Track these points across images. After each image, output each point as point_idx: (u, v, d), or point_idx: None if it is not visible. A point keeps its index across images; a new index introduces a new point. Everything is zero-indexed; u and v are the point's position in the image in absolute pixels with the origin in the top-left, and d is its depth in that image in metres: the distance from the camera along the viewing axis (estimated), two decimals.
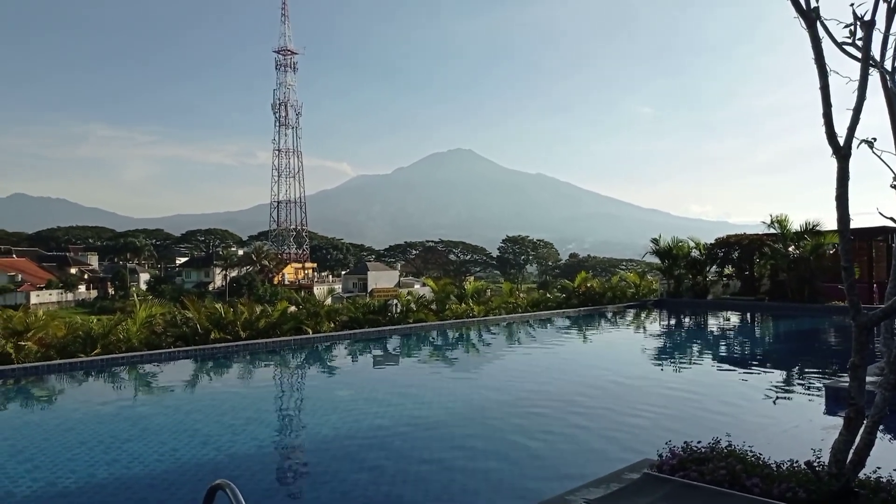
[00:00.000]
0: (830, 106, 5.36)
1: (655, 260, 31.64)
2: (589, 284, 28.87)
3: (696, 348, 18.40)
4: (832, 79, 5.34)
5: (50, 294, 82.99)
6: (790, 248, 26.67)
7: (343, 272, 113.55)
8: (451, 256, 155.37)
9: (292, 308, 20.00)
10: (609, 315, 25.92)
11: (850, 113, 5.31)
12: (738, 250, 29.60)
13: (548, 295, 29.58)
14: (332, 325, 19.88)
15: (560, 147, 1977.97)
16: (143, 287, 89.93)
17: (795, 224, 26.54)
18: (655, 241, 31.13)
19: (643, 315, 26.64)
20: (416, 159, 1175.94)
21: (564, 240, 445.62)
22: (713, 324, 24.37)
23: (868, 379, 5.64)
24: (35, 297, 78.76)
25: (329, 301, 22.65)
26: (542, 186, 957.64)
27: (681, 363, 15.63)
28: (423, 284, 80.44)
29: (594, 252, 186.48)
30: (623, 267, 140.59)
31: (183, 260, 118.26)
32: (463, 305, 23.38)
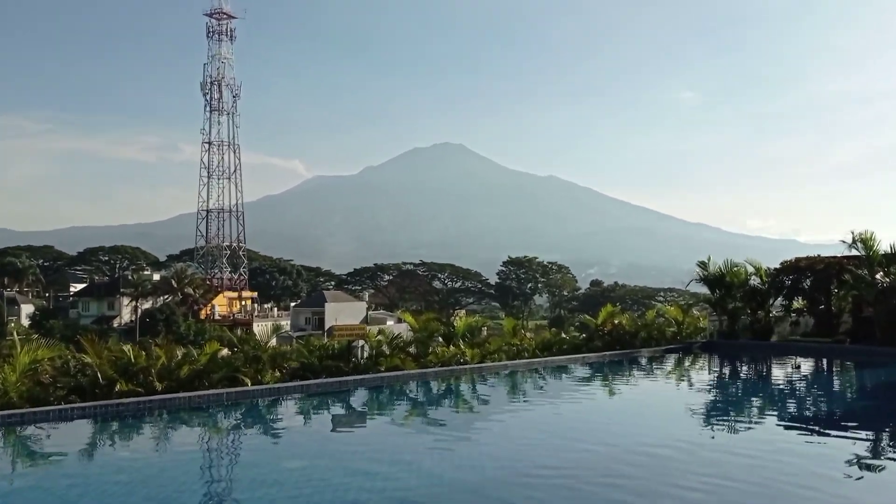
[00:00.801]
0: None
1: (703, 290, 31.81)
2: (616, 321, 28.90)
3: (756, 406, 18.49)
4: None
5: None
6: (878, 276, 26.71)
7: (293, 304, 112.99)
8: (436, 283, 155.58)
9: (225, 351, 19.84)
10: (643, 362, 25.95)
11: None
12: (811, 277, 29.79)
13: (563, 335, 29.59)
14: (279, 373, 19.74)
15: (578, 143, 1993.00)
16: (26, 322, 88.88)
17: (884, 244, 26.44)
18: (703, 264, 31.33)
19: (688, 362, 26.73)
20: (391, 156, 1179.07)
21: (584, 263, 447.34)
22: (779, 373, 24.51)
23: None
24: None
25: (274, 342, 22.50)
26: (555, 193, 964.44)
27: (737, 425, 15.70)
28: (399, 320, 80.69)
29: (623, 279, 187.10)
30: (661, 298, 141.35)
31: (79, 287, 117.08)
32: (451, 348, 23.40)
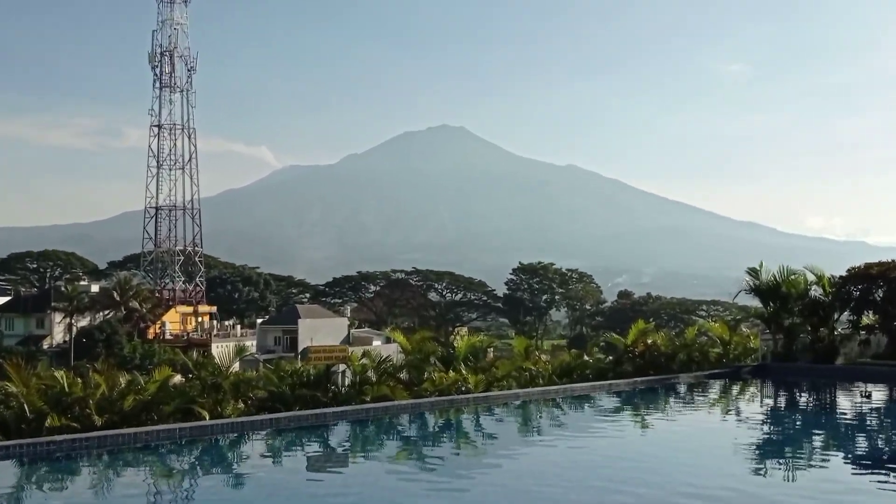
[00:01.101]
0: None
1: (754, 302, 31.76)
2: (650, 341, 28.94)
3: (819, 442, 18.53)
4: None
5: None
6: None
7: (259, 320, 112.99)
8: (433, 295, 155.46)
9: (178, 378, 19.82)
10: (682, 389, 25.94)
11: None
12: (884, 287, 29.74)
13: (585, 357, 29.72)
14: (243, 405, 19.72)
15: (603, 125, 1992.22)
16: None
17: None
18: (753, 272, 31.30)
19: (736, 389, 26.77)
20: (378, 142, 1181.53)
21: (610, 270, 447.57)
22: (845, 404, 24.56)
23: None
24: None
25: (237, 367, 22.49)
26: (576, 185, 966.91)
27: (797, 466, 15.73)
28: (388, 340, 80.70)
29: (657, 289, 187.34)
30: (703, 313, 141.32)
31: (2, 301, 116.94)
32: (451, 374, 23.43)
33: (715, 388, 26.59)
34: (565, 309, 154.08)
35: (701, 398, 25.03)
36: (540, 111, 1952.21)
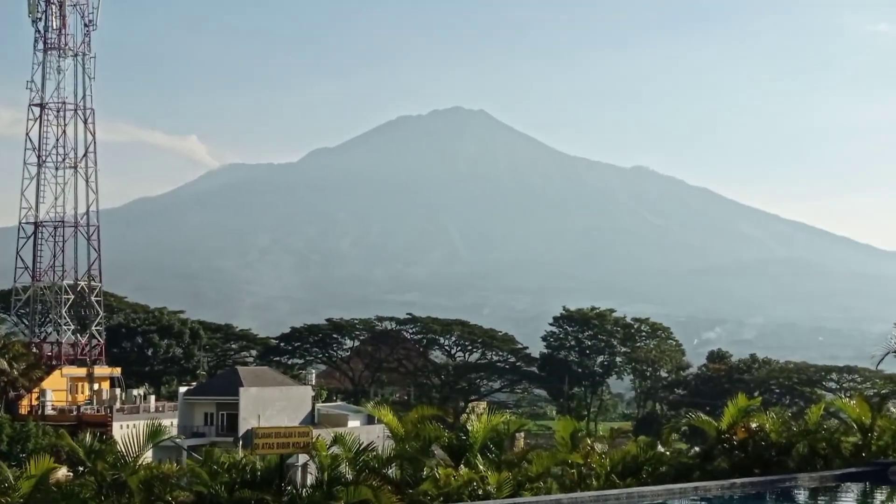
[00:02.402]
0: None
1: None
2: (755, 425, 28.92)
3: None
4: None
5: None
6: None
7: (183, 388, 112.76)
8: (436, 355, 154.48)
9: (62, 473, 19.72)
10: (801, 496, 25.89)
11: None
12: None
13: (659, 448, 29.61)
14: None
15: (689, 111, 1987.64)
16: None
17: None
18: None
19: (881, 497, 26.79)
20: (360, 131, 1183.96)
21: (698, 320, 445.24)
22: None
23: None
24: None
25: (150, 457, 22.41)
26: (647, 197, 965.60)
27: None
28: (372, 419, 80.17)
29: (766, 349, 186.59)
30: (832, 384, 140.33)
31: None
32: (463, 471, 23.46)
33: (849, 496, 26.42)
34: (630, 377, 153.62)
35: None
36: (592, 88, 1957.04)
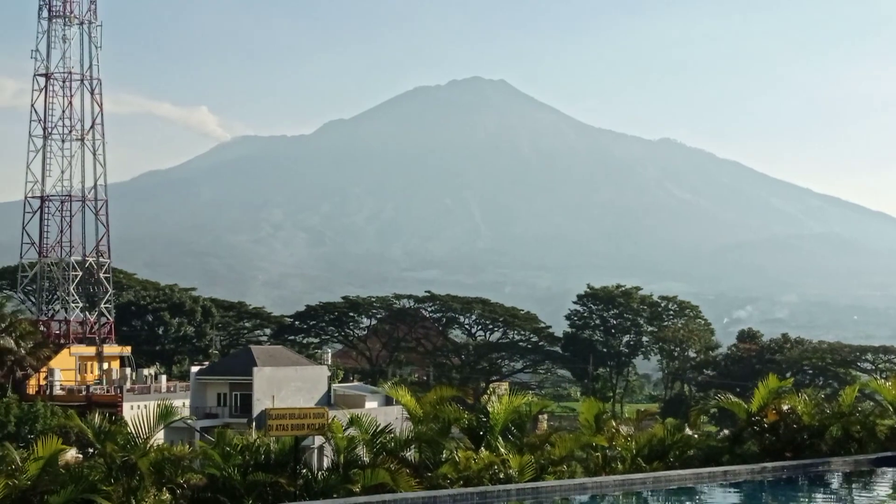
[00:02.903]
0: None
1: None
2: (787, 407, 28.88)
3: None
4: None
5: None
6: None
7: (195, 368, 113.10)
8: (456, 334, 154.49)
9: (72, 454, 19.83)
10: (835, 481, 25.84)
11: None
12: None
13: (687, 431, 29.58)
14: (168, 496, 19.74)
15: (718, 81, 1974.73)
16: None
17: None
18: None
19: None
20: (375, 102, 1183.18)
21: (727, 299, 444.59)
22: None
23: None
24: None
25: (161, 438, 22.53)
26: (674, 170, 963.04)
27: None
28: (390, 400, 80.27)
29: (799, 328, 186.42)
30: (868, 365, 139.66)
31: None
32: (484, 454, 23.48)
33: (885, 481, 26.35)
34: (658, 357, 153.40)
35: (864, 496, 24.84)
36: (619, 57, 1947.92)
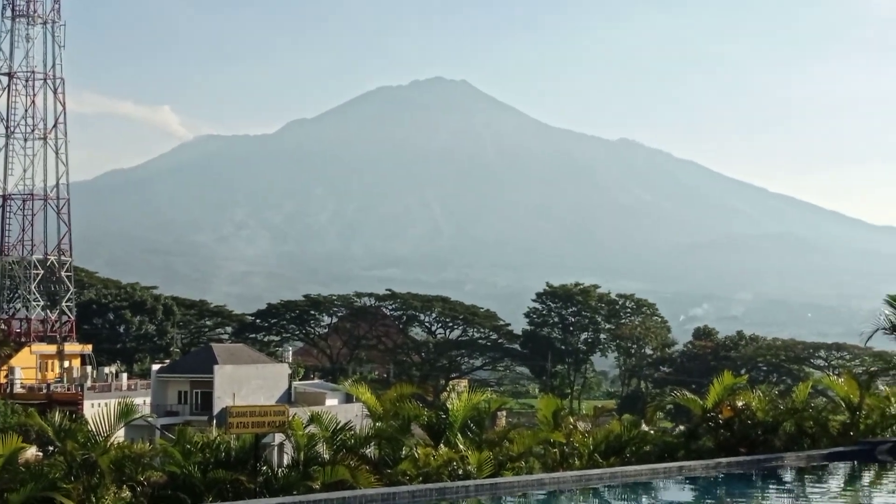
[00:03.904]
0: None
1: None
2: (741, 403, 28.96)
3: None
4: None
5: None
6: None
7: (156, 366, 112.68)
8: (416, 332, 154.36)
9: (31, 452, 19.70)
10: (788, 476, 25.98)
11: None
12: None
13: (644, 427, 29.75)
14: (129, 493, 19.64)
15: (675, 80, 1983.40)
16: None
17: None
18: None
19: (869, 477, 26.78)
20: (338, 101, 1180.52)
21: (684, 296, 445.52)
22: None
23: None
24: None
25: (121, 436, 22.41)
26: (632, 170, 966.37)
27: None
28: (350, 398, 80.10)
29: (754, 325, 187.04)
30: (820, 361, 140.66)
31: None
32: (443, 450, 23.51)
33: (837, 476, 26.53)
34: (615, 354, 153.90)
35: (817, 490, 24.97)
36: (579, 58, 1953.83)
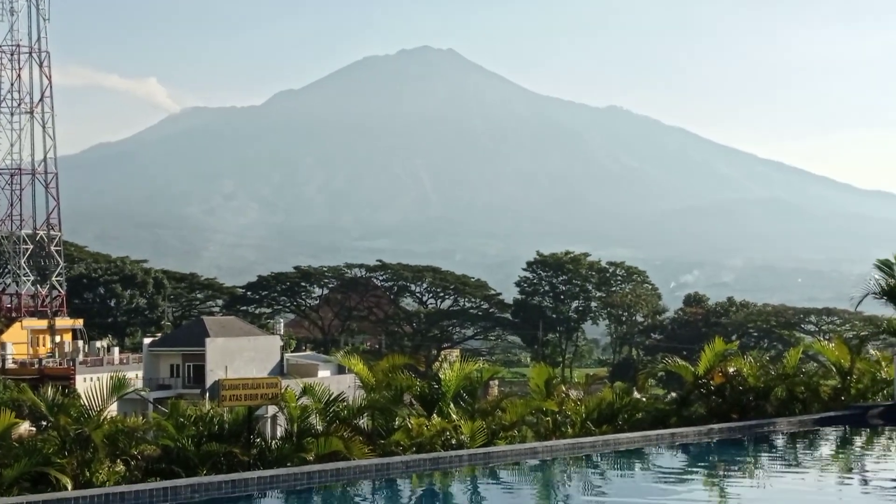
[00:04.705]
0: None
1: (888, 311, 31.75)
2: (733, 369, 29.06)
3: None
4: None
5: None
6: None
7: (148, 340, 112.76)
8: (407, 303, 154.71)
9: (25, 427, 19.72)
10: (780, 441, 26.14)
11: None
12: None
13: (635, 395, 29.88)
14: (123, 467, 19.64)
15: (662, 46, 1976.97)
16: None
17: None
18: (887, 265, 31.35)
19: (860, 441, 26.95)
20: (325, 72, 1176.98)
21: (674, 263, 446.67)
22: None
23: None
24: None
25: (115, 410, 22.44)
26: (621, 137, 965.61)
27: None
28: (342, 369, 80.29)
29: (745, 291, 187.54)
30: (811, 326, 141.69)
31: None
32: (436, 420, 23.56)
33: (828, 440, 26.64)
34: (606, 322, 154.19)
35: (808, 454, 25.07)
36: (565, 24, 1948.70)
